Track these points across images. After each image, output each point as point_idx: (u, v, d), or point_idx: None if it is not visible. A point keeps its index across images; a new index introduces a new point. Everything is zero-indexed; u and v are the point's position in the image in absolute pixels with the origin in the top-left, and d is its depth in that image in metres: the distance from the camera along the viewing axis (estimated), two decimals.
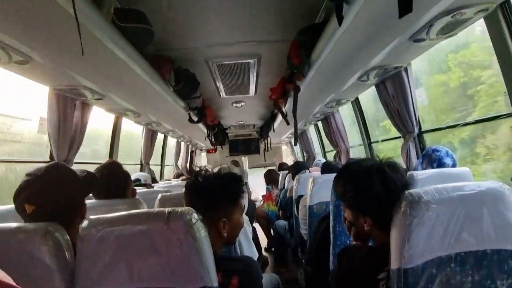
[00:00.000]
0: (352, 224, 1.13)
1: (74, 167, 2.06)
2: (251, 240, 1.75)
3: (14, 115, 2.02)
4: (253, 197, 6.07)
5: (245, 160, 7.48)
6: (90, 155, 3.02)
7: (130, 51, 1.57)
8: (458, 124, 1.88)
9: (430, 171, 1.61)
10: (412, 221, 0.91)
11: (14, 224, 0.92)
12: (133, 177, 3.51)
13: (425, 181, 1.42)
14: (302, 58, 1.85)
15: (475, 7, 1.24)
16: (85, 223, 0.91)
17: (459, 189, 0.95)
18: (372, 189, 1.03)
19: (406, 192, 0.95)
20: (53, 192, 1.04)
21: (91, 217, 0.93)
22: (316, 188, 2.27)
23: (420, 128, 2.20)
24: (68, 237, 0.92)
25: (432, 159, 1.73)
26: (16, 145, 2.05)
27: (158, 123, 3.43)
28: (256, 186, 6.27)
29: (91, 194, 1.44)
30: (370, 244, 1.19)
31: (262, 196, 5.44)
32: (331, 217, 1.71)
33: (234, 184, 1.20)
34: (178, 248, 0.88)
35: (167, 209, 0.90)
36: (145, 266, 0.89)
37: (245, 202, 1.78)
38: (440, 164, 1.69)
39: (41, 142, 2.17)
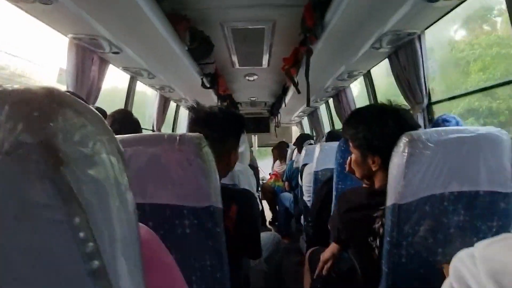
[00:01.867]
0: (358, 166, 1.18)
1: None
2: (255, 191, 1.82)
3: (36, 61, 2.10)
4: (260, 175, 6.16)
5: (254, 139, 7.54)
6: None
7: (149, 1, 1.61)
8: (468, 93, 1.88)
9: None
10: (409, 158, 0.95)
11: None
12: None
13: None
14: (316, 19, 1.86)
15: None
16: None
17: (457, 132, 0.98)
18: (385, 127, 1.06)
19: (406, 132, 0.99)
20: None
21: None
22: (322, 155, 2.32)
23: (429, 99, 2.21)
24: None
25: None
26: None
27: (171, 88, 3.49)
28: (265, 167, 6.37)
29: None
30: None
31: (269, 174, 5.52)
32: (334, 175, 1.76)
33: (240, 119, 1.27)
34: (188, 169, 0.94)
35: (178, 134, 0.97)
36: (157, 184, 0.95)
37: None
38: None
39: None
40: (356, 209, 1.12)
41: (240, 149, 1.87)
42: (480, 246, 0.45)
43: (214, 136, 1.18)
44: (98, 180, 0.29)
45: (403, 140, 0.96)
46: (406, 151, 0.95)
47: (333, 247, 1.34)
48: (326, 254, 1.35)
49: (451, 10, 1.70)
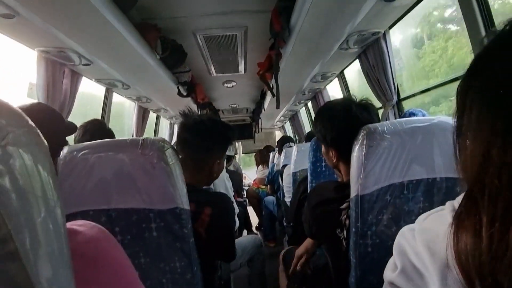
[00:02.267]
0: (326, 157, 1.22)
1: None
2: (230, 192, 1.83)
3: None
4: (246, 182, 6.17)
5: (238, 146, 7.55)
6: None
7: (116, 12, 1.62)
8: (434, 87, 1.96)
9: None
10: (368, 150, 0.99)
11: None
12: None
13: None
14: (282, 23, 1.91)
15: None
16: (65, 148, 0.98)
17: (412, 122, 1.02)
18: (334, 123, 1.11)
19: (365, 125, 1.03)
20: (41, 124, 1.10)
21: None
22: (299, 156, 2.35)
23: (398, 95, 2.28)
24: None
25: None
26: None
27: (149, 99, 3.48)
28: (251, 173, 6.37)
29: None
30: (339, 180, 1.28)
31: (254, 180, 5.55)
32: (308, 174, 1.79)
33: (229, 129, 1.30)
34: (152, 172, 0.95)
35: (140, 138, 0.98)
36: (122, 189, 0.96)
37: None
38: None
39: None
40: (324, 203, 1.15)
41: None
42: (419, 220, 0.48)
43: (201, 144, 1.20)
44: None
45: (361, 133, 1.00)
46: (365, 143, 0.99)
47: (307, 242, 1.36)
48: (300, 249, 1.37)
49: (411, 8, 1.77)
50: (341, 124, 1.10)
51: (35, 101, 1.99)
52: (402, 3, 1.65)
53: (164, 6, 2.16)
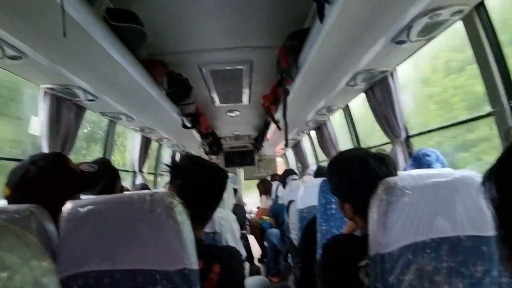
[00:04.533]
0: (341, 209, 1.17)
1: None
2: (239, 239, 1.76)
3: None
4: (248, 209, 6.07)
5: (240, 172, 7.49)
6: None
7: (122, 51, 1.62)
8: (444, 127, 1.92)
9: (416, 171, 1.63)
10: (388, 206, 0.93)
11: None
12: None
13: None
14: (290, 61, 1.90)
15: (450, 8, 1.31)
16: (68, 204, 0.93)
17: (433, 176, 0.98)
18: (352, 177, 1.06)
19: (383, 179, 0.98)
20: (45, 182, 1.05)
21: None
22: (306, 192, 2.29)
23: (407, 132, 2.25)
24: (51, 220, 0.93)
25: (421, 163, 1.75)
26: None
27: (152, 129, 3.46)
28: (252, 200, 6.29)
29: None
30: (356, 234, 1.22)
31: (257, 208, 5.45)
32: (317, 216, 1.73)
33: (224, 174, 1.24)
34: (160, 231, 0.89)
35: (148, 193, 0.93)
36: (127, 248, 0.90)
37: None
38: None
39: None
40: (340, 259, 1.08)
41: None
42: None
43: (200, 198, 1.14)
44: None
45: (380, 188, 0.95)
46: (384, 198, 0.94)
47: None
48: None
49: (419, 49, 1.76)
50: (358, 179, 1.05)
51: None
52: (412, 46, 1.64)
53: (171, 41, 2.17)
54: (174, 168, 1.18)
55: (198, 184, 1.14)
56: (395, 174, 1.07)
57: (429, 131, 2.07)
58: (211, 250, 1.11)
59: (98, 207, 0.92)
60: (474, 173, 1.01)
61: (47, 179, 1.06)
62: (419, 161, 1.76)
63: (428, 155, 1.73)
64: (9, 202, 1.03)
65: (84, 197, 1.44)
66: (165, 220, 0.89)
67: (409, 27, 1.42)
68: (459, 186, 0.96)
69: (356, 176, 1.05)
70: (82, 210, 0.91)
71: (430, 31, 1.47)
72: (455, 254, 0.96)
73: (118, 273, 0.90)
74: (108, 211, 0.91)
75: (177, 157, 5.65)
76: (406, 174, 0.99)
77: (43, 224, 0.91)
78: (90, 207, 0.91)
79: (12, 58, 1.43)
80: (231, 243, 1.66)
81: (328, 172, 1.16)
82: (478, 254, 0.98)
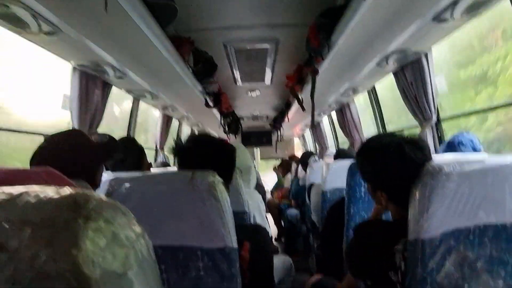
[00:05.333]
0: (372, 196, 1.15)
1: None
2: (265, 218, 1.78)
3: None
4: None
5: (257, 152, 7.51)
6: None
7: (154, 27, 1.60)
8: (480, 110, 1.85)
9: (449, 156, 1.57)
10: (432, 191, 0.91)
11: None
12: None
13: None
14: (321, 40, 1.84)
15: None
16: (112, 180, 0.94)
17: (481, 163, 0.94)
18: (388, 166, 1.04)
19: (427, 163, 0.95)
20: (66, 157, 1.05)
21: (117, 176, 0.96)
22: (330, 174, 2.28)
23: (438, 115, 2.18)
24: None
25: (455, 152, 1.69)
26: None
27: (174, 107, 3.47)
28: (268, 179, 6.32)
29: None
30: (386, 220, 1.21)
31: (274, 187, 5.48)
32: (346, 199, 1.72)
33: (230, 148, 1.23)
34: (201, 208, 0.90)
35: (190, 171, 0.93)
36: (169, 225, 0.91)
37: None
38: None
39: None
40: (375, 244, 1.07)
41: (247, 176, 1.83)
42: None
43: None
44: None
45: (425, 172, 0.93)
46: (428, 183, 0.92)
47: (350, 280, 1.29)
48: (343, 287, 1.29)
49: (458, 28, 1.68)
50: (395, 167, 1.02)
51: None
52: (452, 24, 1.56)
53: (198, 19, 2.13)
54: (179, 149, 1.17)
55: (203, 163, 1.13)
56: (431, 159, 1.04)
57: (463, 115, 2.00)
58: (240, 228, 1.12)
59: (141, 183, 0.93)
60: None
61: (62, 155, 1.06)
62: (453, 149, 1.70)
63: (464, 144, 1.66)
64: None
65: (118, 174, 1.48)
66: (206, 198, 0.90)
67: (454, 4, 1.34)
68: (508, 173, 0.93)
69: (392, 165, 1.03)
70: (125, 186, 0.92)
71: (476, 8, 1.39)
72: (499, 241, 0.94)
73: (160, 248, 0.92)
74: (150, 188, 0.92)
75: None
76: (452, 159, 0.96)
77: None
78: (133, 183, 0.93)
79: (47, 33, 1.43)
80: (259, 221, 1.67)
81: (360, 160, 1.14)
82: None
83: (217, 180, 0.92)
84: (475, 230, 0.94)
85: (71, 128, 1.97)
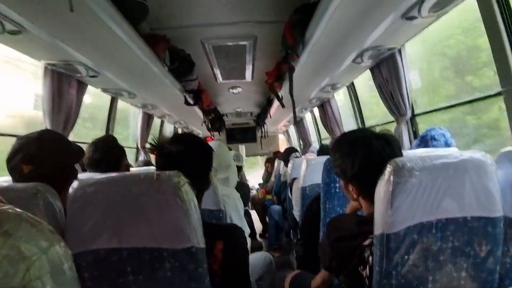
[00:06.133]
0: (344, 190, 1.17)
1: None
2: (243, 217, 1.78)
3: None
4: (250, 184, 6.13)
5: (242, 149, 7.51)
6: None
7: (124, 26, 1.57)
8: (451, 106, 1.89)
9: (420, 151, 1.60)
10: (395, 187, 0.93)
11: (4, 184, 0.94)
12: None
13: None
14: (296, 37, 1.85)
15: None
16: (75, 183, 0.92)
17: (442, 157, 0.96)
18: (355, 159, 1.05)
19: (391, 160, 0.97)
20: (50, 153, 1.06)
21: (81, 177, 0.94)
22: (309, 170, 2.29)
23: (413, 111, 2.22)
24: (58, 197, 0.93)
25: (428, 147, 1.71)
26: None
27: (154, 106, 3.43)
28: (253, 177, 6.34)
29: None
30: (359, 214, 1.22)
31: (259, 184, 5.50)
32: (321, 195, 1.74)
33: (207, 147, 1.22)
34: (166, 209, 0.89)
35: (155, 172, 0.92)
36: (134, 227, 0.90)
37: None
38: None
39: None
40: (346, 238, 1.09)
41: (225, 174, 1.83)
42: None
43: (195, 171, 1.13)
44: None
45: (388, 168, 0.94)
46: (392, 179, 0.93)
47: (323, 274, 1.30)
48: (317, 281, 1.31)
49: (428, 25, 1.71)
50: (362, 160, 1.04)
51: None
52: (422, 22, 1.59)
53: (174, 15, 2.11)
54: (156, 148, 1.17)
55: (179, 162, 1.13)
56: (400, 155, 1.06)
57: (435, 110, 2.05)
58: (213, 228, 1.11)
59: (105, 186, 0.92)
60: (483, 154, 0.99)
61: (34, 157, 1.06)
62: (426, 144, 1.73)
63: (435, 139, 1.69)
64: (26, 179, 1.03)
65: (91, 174, 1.45)
66: (172, 199, 0.89)
67: (421, 1, 1.37)
68: (468, 167, 0.95)
69: (360, 158, 1.04)
70: (89, 188, 0.91)
71: (442, 6, 1.42)
72: (460, 234, 0.97)
73: (126, 250, 0.91)
74: (114, 190, 0.91)
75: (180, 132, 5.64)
76: (414, 155, 0.98)
77: (51, 202, 0.91)
78: (97, 186, 0.91)
79: (12, 33, 1.39)
80: (236, 220, 1.67)
81: (332, 154, 1.15)
82: (484, 234, 0.98)
83: (183, 180, 0.91)
84: (437, 224, 0.96)
85: (45, 128, 1.93)
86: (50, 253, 0.26)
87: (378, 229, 0.96)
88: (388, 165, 0.95)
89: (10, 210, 0.25)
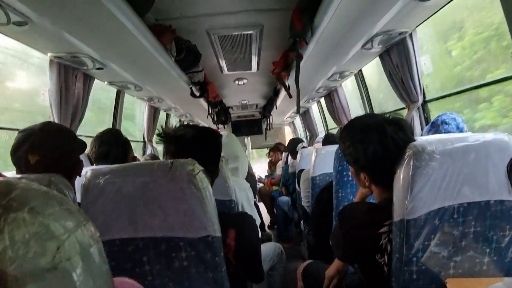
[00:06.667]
0: (355, 178, 1.15)
1: None
2: (253, 205, 1.77)
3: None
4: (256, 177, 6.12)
5: (247, 141, 7.49)
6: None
7: (131, 16, 1.54)
8: (464, 90, 1.84)
9: (433, 137, 1.57)
10: (415, 171, 0.90)
11: (17, 175, 0.93)
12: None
13: None
14: (305, 24, 1.81)
15: None
16: (89, 173, 0.91)
17: (463, 140, 0.94)
18: (369, 147, 1.02)
19: (410, 143, 0.94)
20: (55, 143, 1.06)
21: (95, 167, 0.93)
22: (319, 160, 2.27)
23: (424, 97, 2.17)
24: (71, 187, 0.92)
25: (439, 132, 1.69)
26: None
27: (160, 99, 3.41)
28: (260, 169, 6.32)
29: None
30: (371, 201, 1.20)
31: (265, 176, 5.48)
32: (333, 183, 1.71)
33: (216, 135, 1.22)
34: (181, 198, 0.88)
35: (169, 161, 0.90)
36: (149, 216, 0.89)
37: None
38: None
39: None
40: (360, 227, 1.07)
41: (235, 164, 1.81)
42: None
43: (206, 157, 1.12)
44: None
45: (408, 153, 0.92)
46: (411, 163, 0.90)
47: (337, 263, 1.28)
48: (331, 270, 1.29)
49: (442, 7, 1.66)
50: (376, 148, 1.01)
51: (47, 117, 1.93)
52: (435, 2, 1.54)
53: (179, 6, 2.07)
54: (166, 135, 1.16)
55: (190, 147, 1.13)
56: (413, 140, 1.02)
57: (449, 95, 2.00)
58: (226, 217, 1.10)
59: (119, 175, 0.90)
60: (505, 135, 0.96)
61: (41, 148, 1.06)
62: (437, 128, 1.70)
63: (447, 123, 1.66)
64: (33, 169, 1.03)
65: (100, 167, 1.44)
66: (187, 187, 0.88)
67: None
68: (491, 149, 0.93)
69: (373, 145, 1.01)
70: (102, 178, 0.90)
71: None
72: (483, 219, 0.94)
73: (141, 240, 0.90)
74: (129, 179, 0.90)
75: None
76: (435, 138, 0.95)
77: (64, 192, 0.90)
78: (110, 175, 0.90)
79: (18, 24, 1.37)
80: (247, 210, 1.66)
81: (342, 141, 1.12)
82: (508, 218, 0.95)
83: (197, 168, 0.89)
84: (459, 208, 0.93)
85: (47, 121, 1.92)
86: (79, 234, 0.24)
87: (397, 215, 0.94)
88: (408, 149, 0.92)
89: (35, 186, 0.23)
